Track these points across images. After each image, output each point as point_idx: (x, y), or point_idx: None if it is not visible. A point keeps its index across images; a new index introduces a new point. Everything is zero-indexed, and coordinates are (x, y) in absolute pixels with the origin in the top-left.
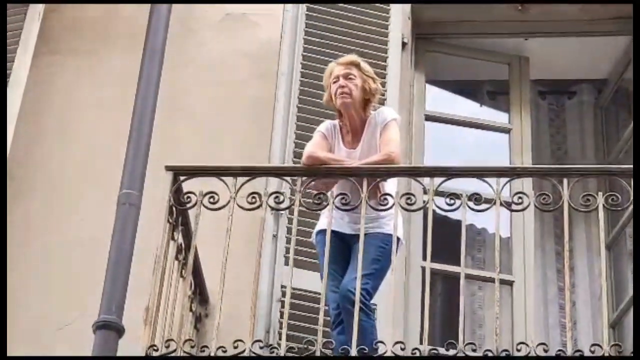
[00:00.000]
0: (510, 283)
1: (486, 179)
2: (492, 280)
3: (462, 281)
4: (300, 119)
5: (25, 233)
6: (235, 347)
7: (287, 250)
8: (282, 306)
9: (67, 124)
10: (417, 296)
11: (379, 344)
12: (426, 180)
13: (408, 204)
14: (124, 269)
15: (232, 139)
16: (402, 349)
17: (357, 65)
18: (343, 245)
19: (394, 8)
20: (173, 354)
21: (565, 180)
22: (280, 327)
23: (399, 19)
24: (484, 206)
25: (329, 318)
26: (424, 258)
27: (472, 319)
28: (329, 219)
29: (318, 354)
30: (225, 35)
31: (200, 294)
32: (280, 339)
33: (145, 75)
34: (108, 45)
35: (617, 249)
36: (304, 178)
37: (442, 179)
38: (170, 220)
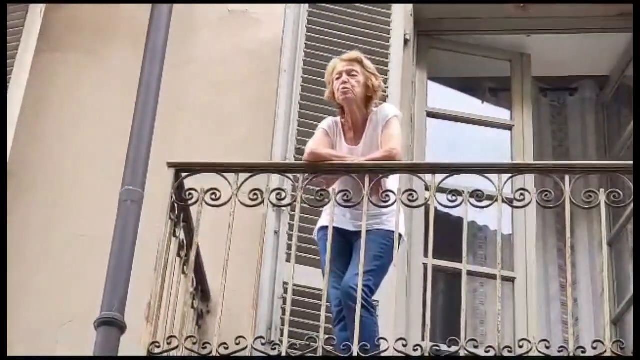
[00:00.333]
0: (512, 280)
1: (488, 175)
2: (494, 277)
3: (463, 278)
4: (302, 116)
5: (26, 230)
6: (237, 344)
7: (289, 247)
8: (284, 303)
9: (68, 122)
10: (419, 293)
11: (381, 341)
12: (428, 177)
13: (410, 200)
14: (125, 266)
15: (233, 135)
16: (404, 346)
17: (359, 62)
18: (345, 242)
19: (396, 5)
20: (175, 351)
21: (567, 177)
22: (282, 324)
23: (401, 16)
24: (485, 203)
25: (330, 315)
26: (426, 255)
27: (473, 316)
28: (330, 216)
29: (320, 350)
30: (227, 33)
31: (202, 290)
32: (282, 335)
33: (147, 72)
34: (109, 43)
35: (619, 245)
36: (306, 175)
37: (444, 175)
38: (172, 217)
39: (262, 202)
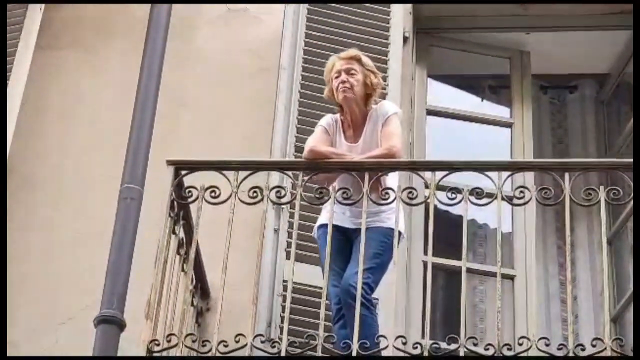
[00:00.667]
0: (511, 277)
1: (487, 173)
2: (493, 274)
3: (463, 275)
4: (302, 113)
5: (25, 228)
6: (237, 342)
7: (289, 245)
8: (284, 300)
9: (68, 119)
10: (419, 290)
11: (381, 339)
12: (427, 175)
13: (409, 198)
14: (125, 263)
15: (233, 133)
16: (404, 343)
17: (358, 60)
18: (344, 239)
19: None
20: (174, 349)
21: (566, 175)
22: (282, 322)
23: (400, 13)
24: (485, 200)
25: (330, 312)
26: (425, 252)
27: (473, 313)
28: (330, 214)
29: (319, 348)
30: (226, 30)
31: (201, 288)
32: (281, 333)
33: (146, 69)
34: (109, 41)
35: (619, 243)
36: (306, 172)
37: (444, 173)
38: (172, 215)
39: (262, 199)
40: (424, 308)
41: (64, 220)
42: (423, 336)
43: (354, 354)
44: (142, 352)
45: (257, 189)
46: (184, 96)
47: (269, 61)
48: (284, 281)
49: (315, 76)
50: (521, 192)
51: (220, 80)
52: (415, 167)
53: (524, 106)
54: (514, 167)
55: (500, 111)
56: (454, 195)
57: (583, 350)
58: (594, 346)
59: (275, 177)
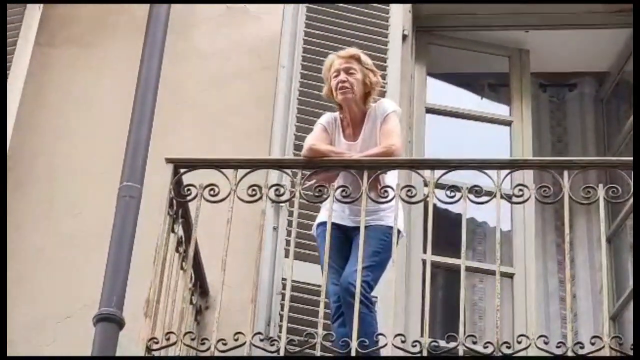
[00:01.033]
0: (510, 275)
1: (487, 171)
2: (492, 272)
3: (462, 274)
4: (301, 112)
5: (24, 226)
6: (236, 340)
7: (288, 243)
8: (283, 299)
9: (67, 117)
10: (418, 289)
11: (380, 337)
12: (427, 173)
13: (408, 196)
14: (124, 261)
15: (232, 131)
16: (403, 342)
17: (357, 59)
18: (343, 237)
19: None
20: (173, 347)
21: (565, 173)
22: (281, 320)
23: (399, 12)
24: (484, 198)
25: (329, 310)
26: (425, 250)
27: (472, 311)
28: (329, 212)
29: (318, 346)
30: (225, 28)
31: (200, 286)
32: (280, 331)
33: (146, 67)
34: (107, 37)
35: (618, 241)
36: (305, 170)
37: (443, 171)
38: (171, 213)
39: (261, 197)
40: (423, 306)
41: (63, 218)
42: (422, 334)
43: (353, 352)
44: (141, 351)
45: (256, 187)
46: (184, 94)
47: (269, 60)
48: (283, 279)
49: (315, 74)
50: (520, 190)
51: (219, 79)
52: (414, 165)
53: (523, 104)
54: (513, 165)
55: (499, 109)
56: (453, 194)
57: (582, 348)
58: (593, 344)
59: (274, 175)
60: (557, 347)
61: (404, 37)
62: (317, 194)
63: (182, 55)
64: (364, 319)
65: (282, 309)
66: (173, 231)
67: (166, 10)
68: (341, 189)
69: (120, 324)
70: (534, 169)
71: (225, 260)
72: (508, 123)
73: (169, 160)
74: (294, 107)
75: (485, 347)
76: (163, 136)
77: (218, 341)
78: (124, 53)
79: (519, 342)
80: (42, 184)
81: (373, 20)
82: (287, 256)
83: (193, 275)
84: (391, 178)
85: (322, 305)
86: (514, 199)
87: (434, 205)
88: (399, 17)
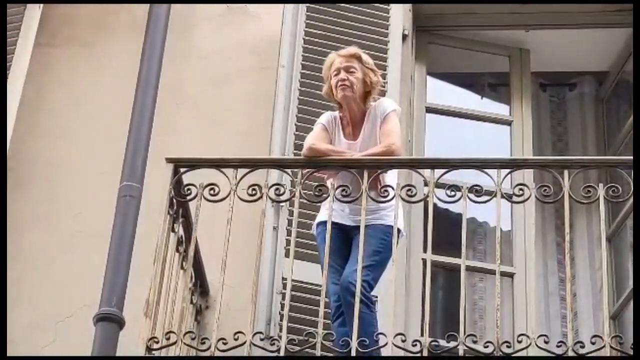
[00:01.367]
0: (511, 275)
1: (487, 170)
2: (493, 272)
3: (462, 273)
4: (301, 111)
5: (25, 226)
6: (236, 339)
7: (288, 242)
8: (283, 298)
9: (67, 116)
10: (418, 288)
11: (380, 336)
12: (427, 172)
13: (409, 195)
14: (124, 261)
15: (232, 131)
16: (403, 341)
17: (358, 58)
18: (344, 237)
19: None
20: (173, 346)
21: (565, 172)
22: (281, 319)
23: (399, 11)
24: (484, 198)
25: (329, 310)
26: (425, 250)
27: (472, 311)
28: (329, 211)
29: (319, 346)
30: (225, 28)
31: (200, 286)
32: (280, 331)
33: (146, 67)
34: (107, 37)
35: (618, 240)
36: (305, 170)
37: (443, 170)
38: (171, 212)
39: (261, 197)
40: (423, 306)
41: (63, 217)
42: (422, 334)
43: (353, 351)
44: (142, 350)
45: (256, 187)
46: (184, 94)
47: (269, 60)
48: (283, 279)
49: (315, 74)
50: (520, 189)
51: (219, 79)
52: (414, 164)
53: (523, 104)
54: (513, 165)
55: (499, 109)
56: (453, 193)
57: (582, 347)
58: (593, 344)
59: (274, 175)
60: (558, 346)
61: (404, 36)
62: (317, 193)
63: (182, 55)
64: (364, 318)
65: (282, 309)
66: (173, 231)
67: (166, 10)
68: (341, 188)
69: (120, 323)
70: (534, 168)
71: (225, 259)
72: (508, 122)
73: (169, 160)
74: (294, 106)
75: (485, 347)
76: (163, 136)
77: (218, 341)
78: (124, 53)
79: (520, 342)
80: (42, 184)
81: (373, 20)
82: (287, 256)
83: (193, 274)
84: (391, 177)
85: (322, 304)
86: (514, 199)
87: (434, 204)
88: (399, 17)
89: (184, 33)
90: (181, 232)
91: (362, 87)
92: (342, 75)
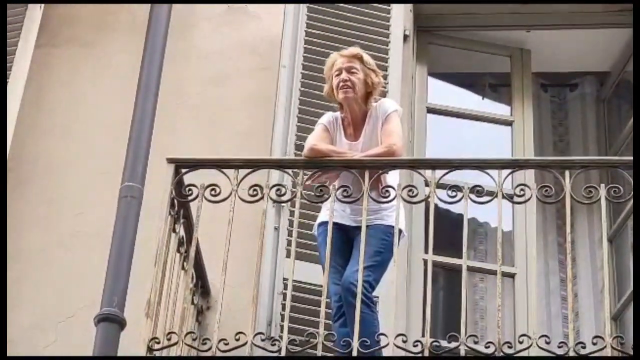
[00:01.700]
0: (512, 275)
1: (488, 171)
2: (494, 272)
3: (464, 273)
4: (302, 112)
5: (26, 226)
6: (237, 340)
7: (289, 243)
8: (284, 299)
9: (68, 117)
10: (419, 288)
11: (381, 337)
12: (428, 173)
13: (410, 196)
14: (125, 261)
15: (233, 131)
16: (404, 341)
17: (360, 58)
18: (345, 237)
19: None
20: (174, 347)
21: (567, 172)
22: (282, 320)
23: (400, 11)
24: (485, 198)
25: (330, 310)
26: (426, 250)
27: (474, 311)
28: (330, 211)
29: (320, 346)
30: (226, 28)
31: (201, 286)
32: (281, 331)
33: (147, 67)
34: (108, 37)
35: (620, 241)
36: (306, 170)
37: (444, 171)
38: (172, 213)
39: (262, 197)
40: (425, 306)
41: (64, 218)
42: (423, 334)
43: (354, 352)
44: (143, 351)
45: (257, 187)
46: (184, 94)
47: (269, 60)
48: (284, 279)
49: (316, 74)
50: (522, 190)
51: (220, 79)
52: (415, 165)
53: (524, 104)
54: (514, 165)
55: (500, 109)
56: (454, 193)
57: (584, 348)
58: (594, 344)
59: (275, 175)
60: (559, 347)
61: (405, 37)
62: (318, 194)
63: (183, 55)
64: (366, 318)
65: (283, 309)
66: (174, 231)
67: (167, 10)
68: (342, 188)
69: (121, 324)
70: (535, 168)
71: (226, 260)
72: (509, 123)
73: (170, 161)
74: (295, 107)
75: (486, 347)
76: (164, 136)
77: (219, 341)
78: (124, 53)
79: (521, 342)
80: (43, 184)
81: (374, 20)
82: (288, 256)
83: (194, 275)
84: (392, 178)
85: (323, 305)
86: (516, 199)
87: (435, 205)
88: (400, 17)
89: (185, 33)
90: (182, 232)
91: (363, 88)
92: (344, 75)
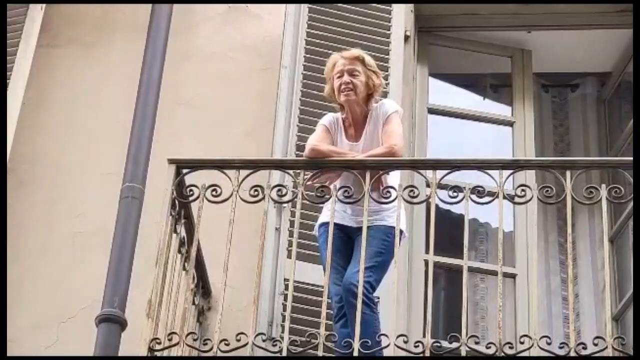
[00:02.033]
0: (513, 276)
1: (489, 171)
2: (495, 273)
3: (464, 274)
4: (303, 112)
5: (27, 227)
6: (238, 340)
7: (290, 244)
8: (285, 299)
9: (69, 117)
10: (420, 289)
11: (382, 337)
12: (429, 173)
13: (411, 196)
14: (126, 262)
15: (234, 132)
16: (405, 342)
17: (361, 60)
18: (346, 237)
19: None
20: (175, 347)
21: (568, 173)
22: (283, 320)
23: (401, 12)
24: (486, 199)
25: (331, 311)
26: (427, 251)
27: (475, 312)
28: (331, 212)
29: (321, 347)
30: (227, 28)
31: (202, 287)
32: (282, 332)
33: (148, 67)
34: (110, 37)
35: (621, 241)
36: (307, 171)
37: (445, 171)
38: (173, 213)
39: (263, 198)
40: (426, 306)
41: (66, 218)
42: (424, 335)
43: (355, 352)
44: (144, 351)
45: (258, 188)
46: (185, 95)
47: (270, 60)
48: (285, 280)
49: (317, 75)
50: (523, 190)
51: (221, 79)
52: (416, 165)
53: (525, 105)
54: (515, 166)
55: (501, 110)
56: (455, 194)
57: (585, 348)
58: (595, 345)
59: (276, 176)
60: (560, 347)
61: (406, 37)
62: (319, 194)
63: (184, 56)
64: (367, 319)
65: (284, 310)
66: (175, 232)
67: (168, 11)
68: (343, 189)
69: (122, 324)
70: (536, 169)
71: (227, 260)
72: (510, 123)
73: (171, 161)
74: (296, 107)
75: (487, 348)
76: (165, 137)
77: (220, 342)
78: (126, 53)
79: (522, 343)
80: (45, 184)
81: (375, 21)
82: (289, 257)
83: (195, 275)
84: (393, 178)
85: (324, 305)
86: (517, 200)
87: (436, 205)
88: (401, 18)
89: (186, 34)
90: (183, 233)
91: (364, 90)
92: (346, 78)
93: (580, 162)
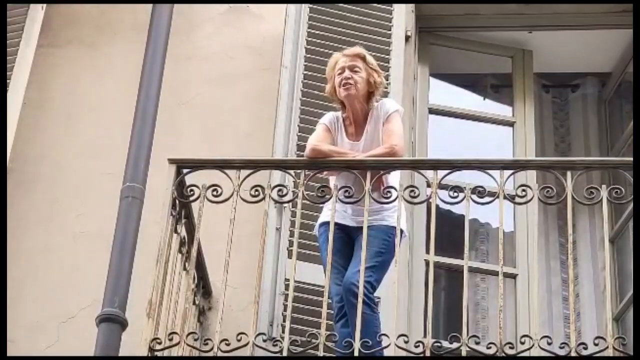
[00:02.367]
0: (513, 276)
1: (490, 171)
2: (495, 273)
3: (465, 274)
4: (304, 112)
5: (27, 227)
6: (239, 340)
7: (291, 244)
8: (286, 299)
9: (69, 117)
10: (421, 289)
11: (382, 337)
12: (429, 173)
13: (411, 196)
14: (127, 262)
15: (235, 132)
16: (406, 342)
17: (362, 58)
18: (346, 237)
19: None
20: (176, 347)
21: (568, 173)
22: (284, 320)
23: (402, 12)
24: (487, 199)
25: (332, 311)
26: (427, 251)
27: (475, 312)
28: (331, 212)
29: (321, 347)
30: (228, 28)
31: (203, 287)
32: (283, 332)
33: (148, 67)
34: (110, 38)
35: (621, 241)
36: (307, 171)
37: (446, 171)
38: (173, 213)
39: (264, 198)
40: (426, 306)
41: (66, 218)
42: (425, 335)
43: (355, 352)
44: (144, 351)
45: (259, 188)
46: (186, 94)
47: (271, 60)
48: (286, 280)
49: (317, 75)
50: (523, 190)
51: (222, 79)
52: (417, 165)
53: (526, 105)
54: (516, 166)
55: (502, 110)
56: (456, 194)
57: (585, 349)
58: (596, 345)
59: (277, 176)
60: (561, 347)
61: (407, 37)
62: (319, 194)
63: (185, 56)
64: (367, 319)
65: (285, 310)
66: (176, 232)
67: (169, 11)
68: (344, 189)
69: (123, 324)
70: (536, 169)
71: (228, 260)
72: (511, 124)
73: (171, 161)
74: (296, 107)
75: (488, 348)
76: (166, 136)
77: (221, 342)
78: (126, 53)
79: (522, 343)
80: (45, 184)
81: (376, 21)
82: (289, 257)
83: (196, 275)
84: (394, 178)
85: (324, 305)
86: (517, 200)
87: (437, 205)
88: (402, 18)
89: (186, 33)
90: (184, 233)
91: (365, 87)
92: (347, 73)
93: (581, 162)
